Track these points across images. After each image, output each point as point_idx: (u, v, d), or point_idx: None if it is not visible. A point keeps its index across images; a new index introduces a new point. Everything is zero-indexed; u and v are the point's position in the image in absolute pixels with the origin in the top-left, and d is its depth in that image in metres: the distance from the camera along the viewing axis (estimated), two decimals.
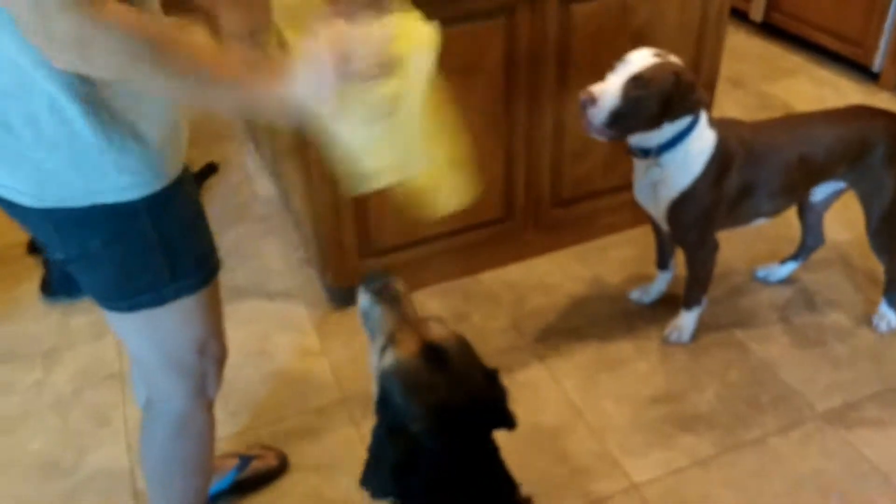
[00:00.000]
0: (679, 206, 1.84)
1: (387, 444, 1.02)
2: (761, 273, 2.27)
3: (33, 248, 2.54)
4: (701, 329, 2.09)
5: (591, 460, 1.79)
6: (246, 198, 2.78)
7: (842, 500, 1.67)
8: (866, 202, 1.94)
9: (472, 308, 2.24)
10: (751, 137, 1.85)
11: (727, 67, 3.44)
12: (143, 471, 1.43)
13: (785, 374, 1.97)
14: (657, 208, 1.89)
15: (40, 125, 0.98)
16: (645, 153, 1.80)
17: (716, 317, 2.14)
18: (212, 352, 1.30)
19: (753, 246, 2.39)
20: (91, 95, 0.97)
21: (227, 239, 2.53)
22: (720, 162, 1.80)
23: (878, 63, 3.20)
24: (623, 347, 2.08)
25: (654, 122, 1.71)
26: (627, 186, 2.35)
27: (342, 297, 2.26)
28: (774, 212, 1.96)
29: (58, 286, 2.36)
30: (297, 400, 1.98)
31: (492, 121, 2.11)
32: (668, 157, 1.78)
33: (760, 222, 1.99)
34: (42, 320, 2.29)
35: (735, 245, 2.38)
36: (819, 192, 2.02)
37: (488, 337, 2.12)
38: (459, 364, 1.06)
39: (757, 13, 3.70)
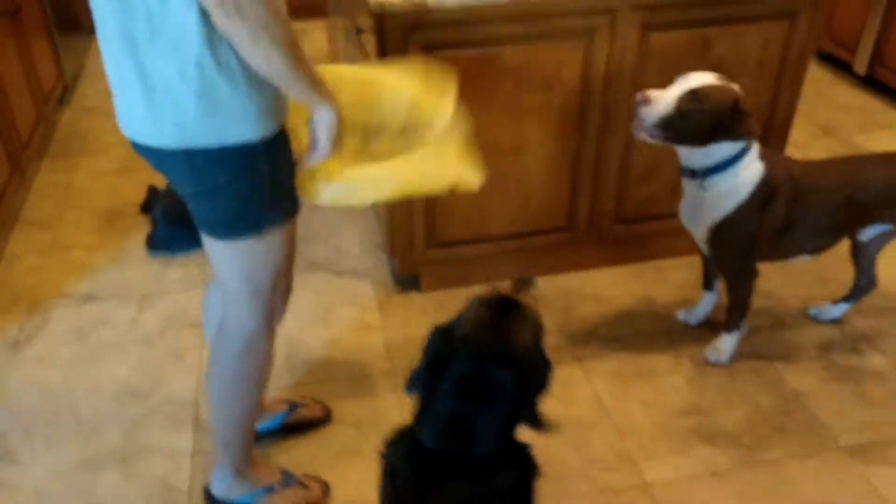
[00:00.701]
0: (720, 231, 1.92)
1: (437, 341, 1.20)
2: (813, 311, 2.30)
3: (146, 208, 2.85)
4: (742, 355, 2.15)
5: (609, 455, 1.88)
6: None
7: None
8: None
9: None
10: (800, 174, 1.90)
11: (822, 115, 3.47)
12: (209, 388, 1.62)
13: (816, 406, 2.00)
14: (698, 230, 1.98)
15: (189, 79, 1.20)
16: (693, 174, 1.89)
17: (758, 346, 2.20)
18: (282, 286, 1.53)
19: (809, 285, 2.42)
20: (226, 56, 1.20)
21: (312, 220, 2.78)
22: (765, 193, 1.87)
23: None
24: (661, 360, 2.16)
25: (702, 139, 1.80)
26: None
27: (406, 282, 2.45)
28: (817, 249, 2.00)
29: (160, 242, 2.66)
30: (349, 365, 2.17)
31: (564, 133, 2.25)
32: (713, 181, 1.86)
33: (803, 259, 2.03)
34: (143, 269, 2.58)
35: (790, 281, 2.42)
36: (867, 233, 2.05)
37: None
38: (518, 321, 1.22)
39: (861, 66, 3.67)
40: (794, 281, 2.44)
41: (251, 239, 1.39)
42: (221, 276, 1.51)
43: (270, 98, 1.28)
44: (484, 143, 2.15)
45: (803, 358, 2.16)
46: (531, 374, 1.21)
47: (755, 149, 1.87)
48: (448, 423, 1.16)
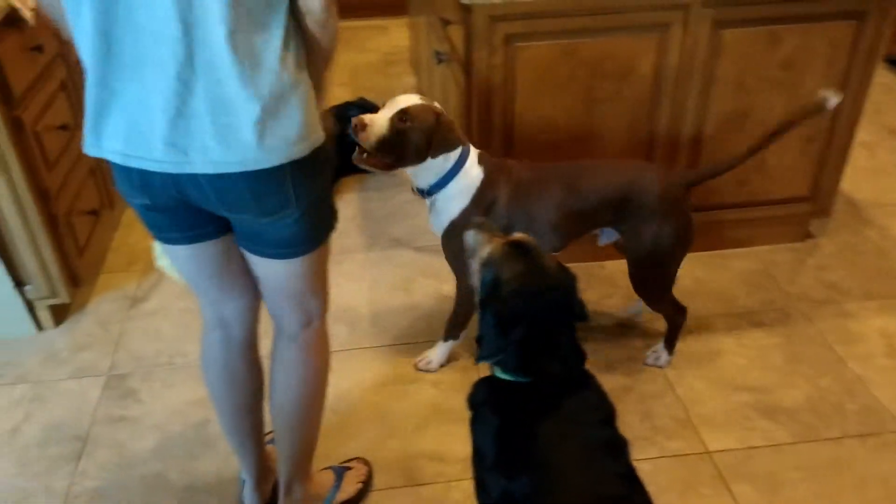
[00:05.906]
0: (448, 236, 1.97)
1: (488, 316, 1.31)
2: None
3: None
4: (802, 342, 2.25)
5: (673, 424, 1.99)
6: None
7: None
8: (629, 250, 2.01)
9: (589, 287, 2.50)
10: (525, 178, 1.94)
11: (891, 118, 3.50)
12: (295, 416, 1.58)
13: (877, 390, 2.08)
14: (439, 237, 2.02)
15: (294, 86, 1.19)
16: (422, 193, 1.95)
17: (818, 334, 2.29)
18: None
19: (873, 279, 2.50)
20: (296, 49, 1.21)
21: (393, 201, 2.96)
22: (485, 196, 1.91)
23: None
24: (724, 342, 2.27)
25: (420, 155, 1.85)
26: (755, 203, 2.54)
27: None
28: (549, 250, 1.96)
29: None
30: (428, 328, 2.33)
31: (635, 122, 2.37)
32: (440, 195, 1.92)
33: None
34: None
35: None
36: (603, 237, 2.11)
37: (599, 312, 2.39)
38: (537, 253, 1.36)
39: None
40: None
41: (329, 234, 1.42)
42: (302, 291, 1.46)
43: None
44: (557, 129, 2.31)
45: (866, 345, 2.24)
46: (572, 283, 1.36)
47: (474, 156, 1.93)
48: (542, 354, 1.30)
